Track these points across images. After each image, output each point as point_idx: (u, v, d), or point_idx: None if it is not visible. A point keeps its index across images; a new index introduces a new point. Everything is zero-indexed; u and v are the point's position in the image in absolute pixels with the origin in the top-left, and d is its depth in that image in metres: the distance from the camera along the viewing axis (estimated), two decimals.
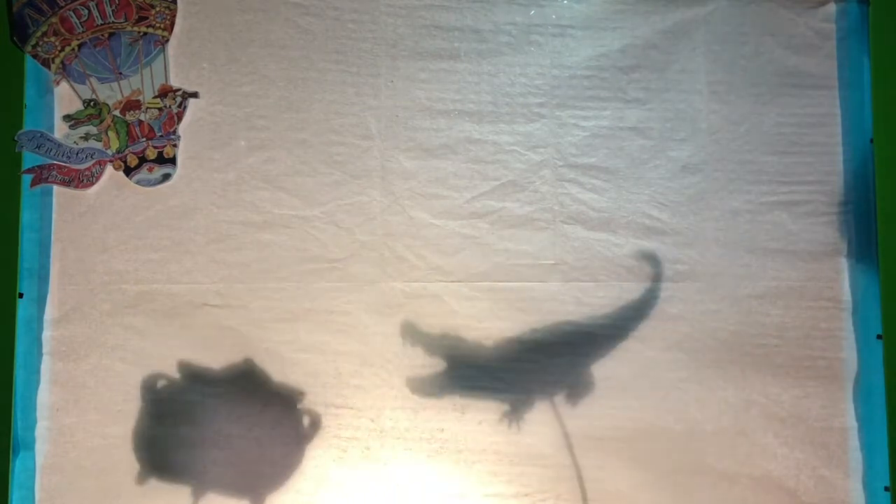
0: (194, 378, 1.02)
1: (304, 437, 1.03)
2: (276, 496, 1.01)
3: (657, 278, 1.07)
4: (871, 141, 1.10)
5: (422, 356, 1.04)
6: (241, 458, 1.01)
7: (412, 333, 1.04)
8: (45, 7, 1.05)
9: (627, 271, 1.07)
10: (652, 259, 1.07)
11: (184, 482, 1.01)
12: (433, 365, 1.04)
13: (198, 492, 1.00)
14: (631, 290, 1.07)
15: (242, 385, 1.02)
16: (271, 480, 1.02)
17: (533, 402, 1.04)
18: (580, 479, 1.04)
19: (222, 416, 1.02)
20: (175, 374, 1.02)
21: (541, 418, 1.05)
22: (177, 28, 1.06)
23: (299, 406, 1.03)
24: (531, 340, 1.05)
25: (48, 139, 1.03)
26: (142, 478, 1.00)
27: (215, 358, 1.02)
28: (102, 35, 1.05)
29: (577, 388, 1.05)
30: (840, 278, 1.09)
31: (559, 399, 1.05)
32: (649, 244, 1.08)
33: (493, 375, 1.04)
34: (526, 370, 1.05)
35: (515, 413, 1.04)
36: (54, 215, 1.03)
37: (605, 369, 1.06)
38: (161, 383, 1.02)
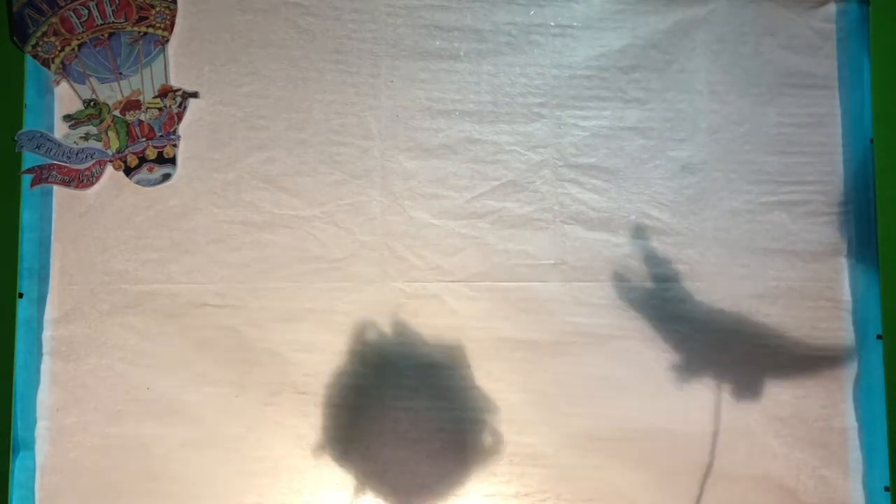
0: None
1: (478, 455, 1.03)
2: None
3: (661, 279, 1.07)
4: (871, 141, 1.10)
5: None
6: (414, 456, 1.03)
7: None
8: (45, 7, 1.05)
9: (627, 271, 1.07)
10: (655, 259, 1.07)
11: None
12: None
13: (359, 490, 1.01)
14: (631, 290, 1.07)
15: (437, 379, 1.03)
16: (427, 494, 1.02)
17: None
18: (589, 479, 1.04)
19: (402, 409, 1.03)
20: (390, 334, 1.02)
21: (541, 418, 1.05)
22: (177, 28, 1.06)
23: (488, 419, 1.02)
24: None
25: (48, 139, 1.03)
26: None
27: (218, 357, 1.03)
28: (102, 35, 1.05)
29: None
30: (840, 278, 1.09)
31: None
32: (649, 244, 1.08)
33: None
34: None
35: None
36: (54, 215, 1.03)
37: (605, 369, 1.06)
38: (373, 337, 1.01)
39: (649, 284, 1.07)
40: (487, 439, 1.03)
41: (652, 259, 1.08)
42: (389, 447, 1.03)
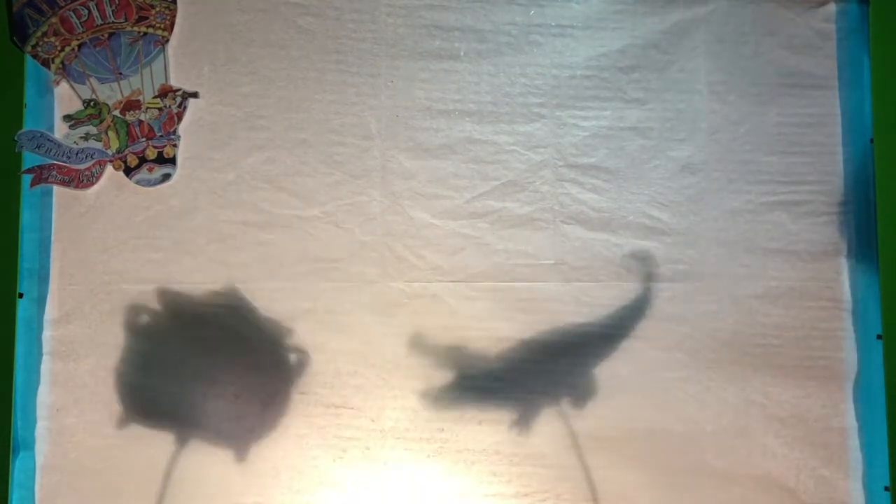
0: (176, 310, 1.01)
1: (291, 377, 1.02)
2: (260, 447, 1.01)
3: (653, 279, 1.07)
4: (871, 141, 1.10)
5: (429, 367, 1.04)
6: (224, 401, 1.01)
7: (420, 346, 1.04)
8: (45, 7, 1.05)
9: (627, 271, 1.07)
10: (647, 259, 1.07)
11: (167, 428, 1.00)
12: (442, 377, 1.04)
13: (181, 439, 1.00)
14: (631, 290, 1.07)
15: (226, 318, 1.02)
16: (255, 429, 1.01)
17: (540, 408, 1.04)
18: (589, 479, 1.04)
19: (203, 353, 1.01)
20: (156, 305, 1.01)
21: (542, 419, 1.05)
22: (177, 28, 1.06)
23: (287, 342, 1.02)
24: (536, 344, 1.05)
25: (48, 139, 1.03)
26: (122, 422, 1.00)
27: (218, 357, 1.02)
28: (102, 35, 1.05)
29: (581, 391, 1.05)
30: (840, 278, 1.09)
31: (564, 402, 1.05)
32: (649, 244, 1.08)
33: (501, 382, 1.04)
34: (532, 375, 1.05)
35: (524, 420, 1.04)
36: (54, 215, 1.03)
37: (606, 369, 1.06)
38: (143, 318, 1.01)
39: (651, 284, 1.07)
40: (292, 358, 1.02)
41: (653, 259, 1.08)
42: (199, 400, 1.02)
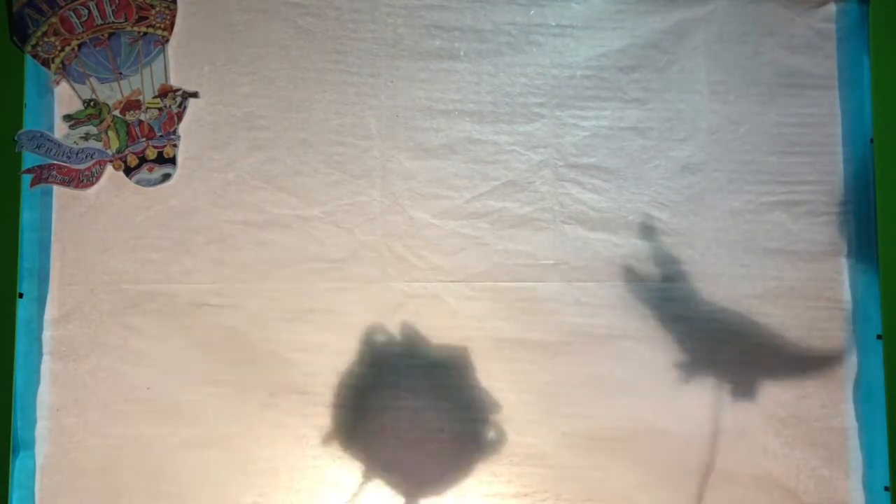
0: (410, 348, 1.03)
1: (482, 450, 1.03)
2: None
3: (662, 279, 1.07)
4: (871, 141, 1.10)
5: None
6: (415, 455, 1.03)
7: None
8: (45, 7, 1.05)
9: (627, 271, 1.07)
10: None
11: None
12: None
13: (367, 477, 1.02)
14: (633, 291, 1.07)
15: (438, 378, 1.03)
16: (431, 487, 1.03)
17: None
18: (589, 479, 1.04)
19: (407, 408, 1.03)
20: (396, 336, 1.03)
21: (541, 418, 1.05)
22: (177, 28, 1.06)
23: (490, 416, 1.03)
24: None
25: (48, 139, 1.03)
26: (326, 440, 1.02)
27: (218, 357, 1.02)
28: (102, 35, 1.05)
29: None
30: (840, 278, 1.09)
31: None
32: (650, 244, 1.08)
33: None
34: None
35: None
36: (54, 215, 1.03)
37: (605, 369, 1.06)
38: (380, 339, 1.02)
39: (651, 284, 1.07)
40: (491, 435, 1.03)
41: (655, 258, 1.08)
42: (389, 447, 1.03)
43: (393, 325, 1.05)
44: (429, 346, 1.03)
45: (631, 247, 1.08)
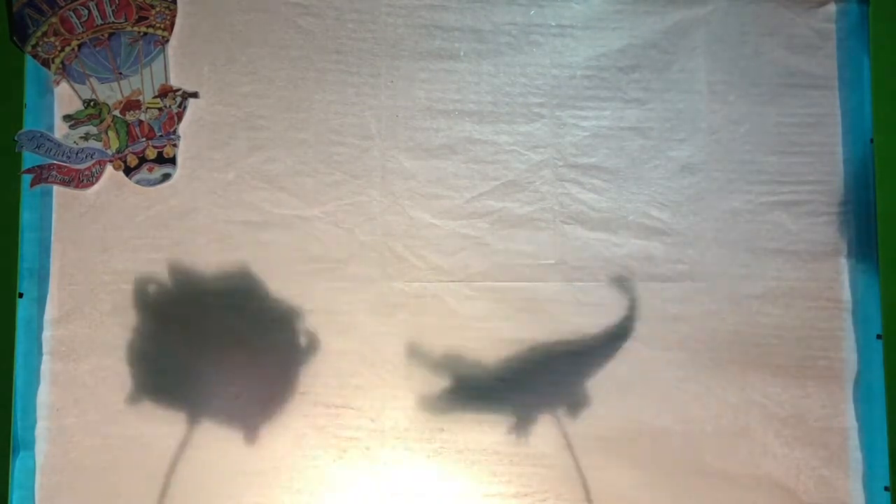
0: (186, 286, 1.01)
1: (299, 359, 1.02)
2: (270, 428, 1.01)
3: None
4: (871, 141, 1.10)
5: (427, 375, 1.04)
6: (235, 381, 1.01)
7: (417, 355, 1.04)
8: (45, 7, 1.05)
9: (627, 271, 1.07)
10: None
11: (179, 408, 1.01)
12: (439, 383, 1.04)
13: (193, 419, 1.00)
14: (633, 291, 1.07)
15: (237, 298, 1.02)
16: (264, 409, 1.01)
17: (538, 414, 1.04)
18: (589, 479, 1.04)
19: (215, 332, 1.02)
20: (166, 279, 1.02)
21: (541, 420, 1.05)
22: (177, 28, 1.06)
23: (297, 325, 1.02)
24: (536, 352, 1.05)
25: (48, 139, 1.03)
26: (134, 399, 1.00)
27: (218, 358, 1.02)
28: (102, 35, 1.05)
29: (578, 398, 1.05)
30: (840, 278, 1.09)
31: (562, 408, 1.05)
32: (649, 244, 1.08)
33: (499, 390, 1.04)
34: (531, 381, 1.05)
35: (522, 425, 1.04)
36: (54, 215, 1.03)
37: (605, 369, 1.06)
38: (152, 288, 1.01)
39: (651, 284, 1.07)
40: (302, 341, 1.03)
41: (654, 259, 1.08)
42: (205, 391, 1.02)
43: (390, 325, 1.04)
44: (201, 279, 1.02)
45: (631, 247, 1.08)
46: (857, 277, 1.09)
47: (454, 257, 1.06)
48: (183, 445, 1.00)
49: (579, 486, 1.04)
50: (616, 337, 1.06)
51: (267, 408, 1.02)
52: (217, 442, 1.01)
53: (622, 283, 1.06)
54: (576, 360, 1.05)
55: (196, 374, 1.01)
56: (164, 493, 1.01)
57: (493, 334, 1.05)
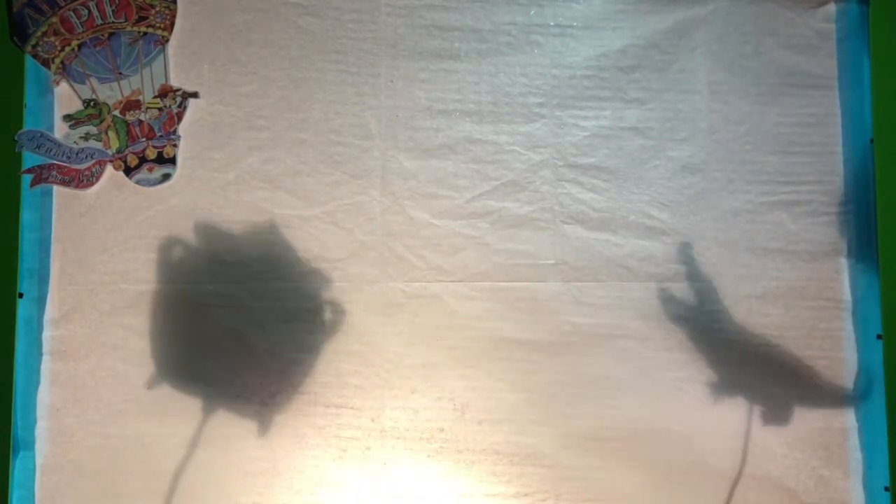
0: (212, 246, 1.02)
1: (324, 333, 1.02)
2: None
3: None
4: (871, 141, 1.10)
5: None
6: (253, 364, 1.02)
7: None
8: (45, 7, 1.05)
9: (628, 271, 1.07)
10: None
11: (195, 394, 1.01)
12: None
13: (208, 407, 1.01)
14: (633, 291, 1.07)
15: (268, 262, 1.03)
16: (278, 392, 1.02)
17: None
18: (589, 479, 1.04)
19: (238, 310, 1.02)
20: (191, 238, 1.02)
21: (541, 418, 1.05)
22: (177, 28, 1.06)
23: (324, 296, 1.02)
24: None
25: (48, 139, 1.03)
26: (154, 382, 1.00)
27: (218, 358, 1.02)
28: (102, 35, 1.05)
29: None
30: (840, 278, 1.09)
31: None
32: (649, 244, 1.08)
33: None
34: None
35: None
36: (54, 215, 1.03)
37: (605, 369, 1.06)
38: (177, 251, 1.00)
39: (649, 284, 1.07)
40: (328, 315, 1.03)
41: (654, 259, 1.08)
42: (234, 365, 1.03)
43: (390, 325, 1.05)
44: (232, 246, 1.02)
45: (631, 247, 1.08)
46: (857, 277, 1.09)
47: (454, 257, 1.06)
48: (199, 431, 1.01)
49: (579, 486, 1.04)
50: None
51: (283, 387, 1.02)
52: (220, 440, 1.01)
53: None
54: None
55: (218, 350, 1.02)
56: (164, 493, 1.01)
57: (493, 334, 1.05)
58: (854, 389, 1.08)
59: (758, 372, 1.07)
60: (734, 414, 1.06)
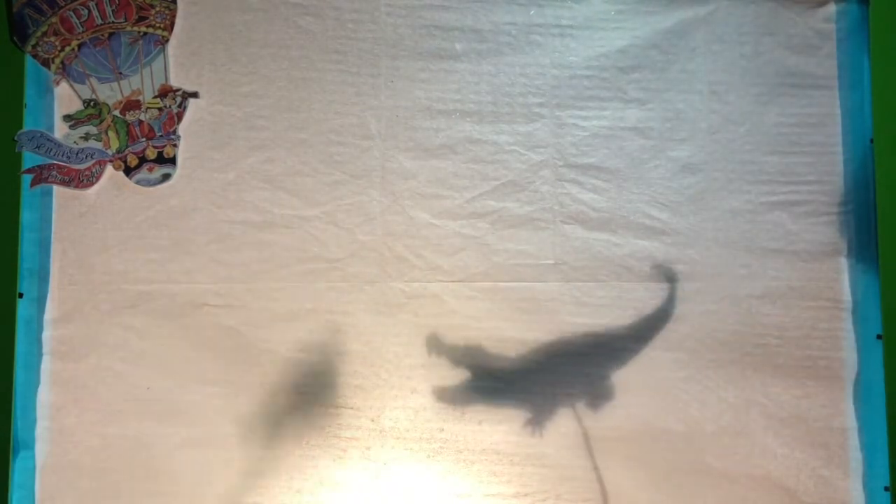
0: None
1: None
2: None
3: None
4: (871, 141, 1.10)
5: (446, 366, 1.04)
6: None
7: (437, 346, 1.04)
8: (45, 7, 1.05)
9: (627, 271, 1.07)
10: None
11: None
12: (457, 376, 1.05)
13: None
14: (633, 291, 1.07)
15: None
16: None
17: (554, 410, 1.05)
18: (589, 479, 1.04)
19: None
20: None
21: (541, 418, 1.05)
22: (177, 28, 1.06)
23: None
24: (553, 349, 1.05)
25: (48, 139, 1.03)
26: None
27: (218, 357, 1.03)
28: (102, 35, 1.05)
29: (596, 395, 1.05)
30: (840, 278, 1.09)
31: (578, 405, 1.05)
32: (649, 244, 1.08)
33: (516, 386, 1.04)
34: (546, 379, 1.05)
35: (538, 420, 1.04)
36: (54, 215, 1.03)
37: (605, 369, 1.06)
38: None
39: (649, 284, 1.07)
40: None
41: (654, 259, 1.08)
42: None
43: (390, 325, 1.05)
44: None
45: (631, 247, 1.08)
46: (857, 277, 1.09)
47: (454, 257, 1.06)
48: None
49: (579, 486, 1.04)
50: (652, 327, 1.06)
51: None
52: (221, 440, 1.01)
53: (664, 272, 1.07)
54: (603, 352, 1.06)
55: None
56: (164, 493, 1.01)
57: (493, 334, 1.05)
58: (854, 389, 1.08)
59: (758, 371, 1.07)
60: (734, 414, 1.06)
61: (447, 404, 1.04)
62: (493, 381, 1.04)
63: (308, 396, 1.03)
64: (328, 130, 1.07)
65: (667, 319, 1.06)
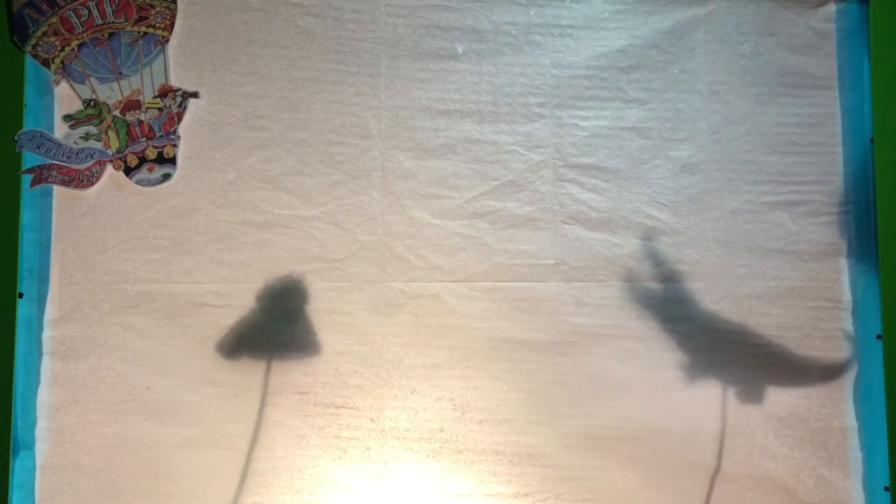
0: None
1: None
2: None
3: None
4: (871, 141, 1.10)
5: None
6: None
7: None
8: (45, 7, 1.05)
9: (628, 271, 1.07)
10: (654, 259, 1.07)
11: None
12: None
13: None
14: (633, 290, 1.07)
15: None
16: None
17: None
18: (589, 479, 1.04)
19: None
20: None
21: (541, 418, 1.05)
22: (177, 28, 1.06)
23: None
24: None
25: (48, 139, 1.03)
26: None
27: (218, 357, 1.02)
28: (102, 35, 1.05)
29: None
30: (840, 278, 1.09)
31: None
32: (649, 244, 1.08)
33: None
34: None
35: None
36: (54, 215, 1.03)
37: (605, 369, 1.06)
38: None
39: (652, 284, 1.07)
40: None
41: (654, 259, 1.08)
42: None
43: (390, 325, 1.05)
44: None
45: (631, 247, 1.08)
46: (857, 277, 1.09)
47: (454, 257, 1.06)
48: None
49: (579, 486, 1.04)
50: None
51: None
52: (220, 440, 1.01)
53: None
54: None
55: None
56: (164, 493, 1.01)
57: (493, 334, 1.05)
58: (854, 389, 1.08)
59: (758, 371, 1.07)
60: (735, 414, 1.06)
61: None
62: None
63: (308, 396, 1.03)
64: (328, 130, 1.07)
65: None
